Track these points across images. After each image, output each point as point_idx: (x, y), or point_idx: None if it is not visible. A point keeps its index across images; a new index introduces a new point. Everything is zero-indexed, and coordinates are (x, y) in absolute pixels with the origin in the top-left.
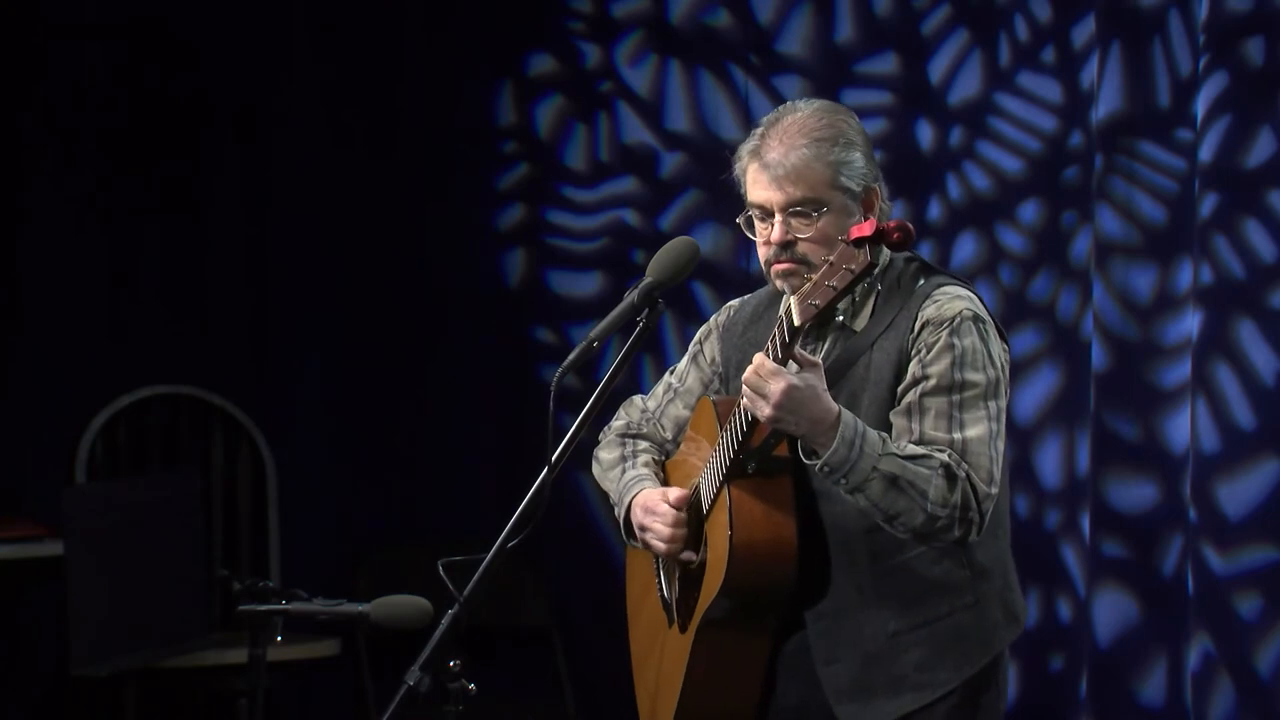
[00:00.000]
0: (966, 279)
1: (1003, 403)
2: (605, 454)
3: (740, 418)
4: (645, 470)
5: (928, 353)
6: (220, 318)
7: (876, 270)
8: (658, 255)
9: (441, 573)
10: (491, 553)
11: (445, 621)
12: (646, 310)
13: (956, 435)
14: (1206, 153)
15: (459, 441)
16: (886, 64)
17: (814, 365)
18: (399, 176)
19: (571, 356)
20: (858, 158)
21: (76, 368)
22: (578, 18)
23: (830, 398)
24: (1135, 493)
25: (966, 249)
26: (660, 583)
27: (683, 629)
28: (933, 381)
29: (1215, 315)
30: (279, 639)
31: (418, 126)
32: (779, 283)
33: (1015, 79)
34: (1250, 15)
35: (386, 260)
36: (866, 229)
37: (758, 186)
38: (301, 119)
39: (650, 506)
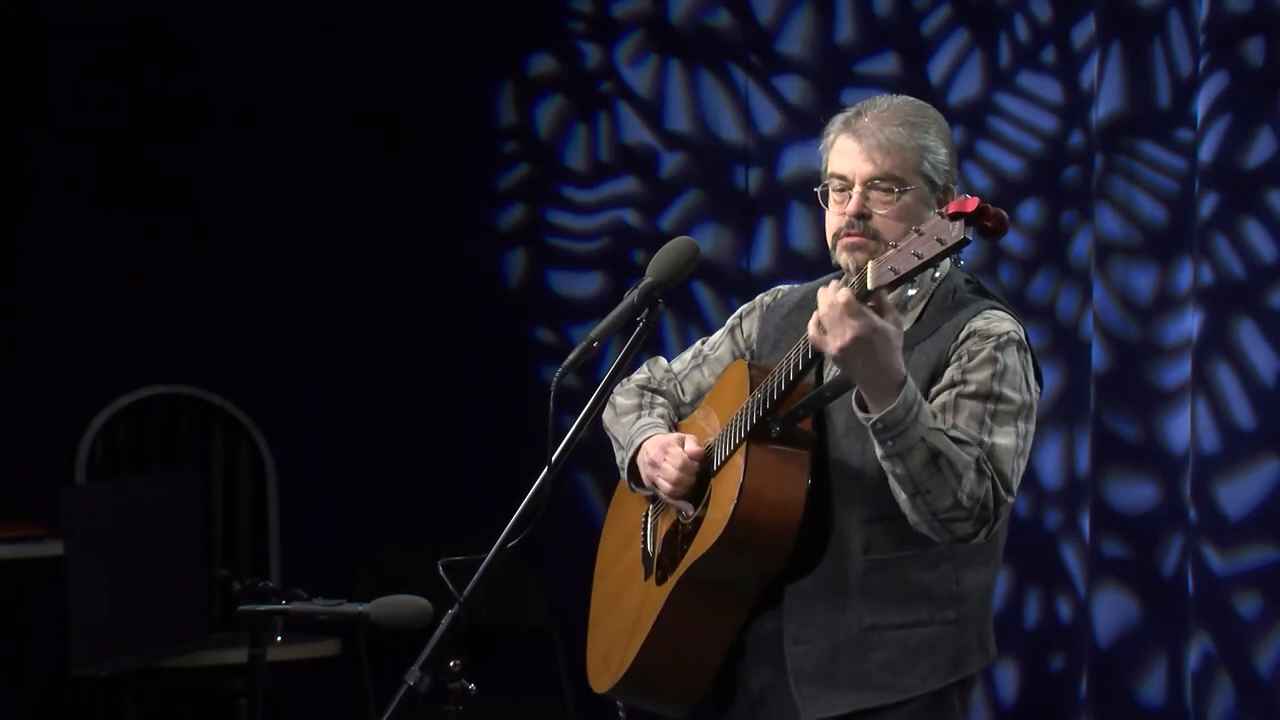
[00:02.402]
0: (1019, 316)
1: (1032, 427)
2: (622, 400)
3: (793, 360)
4: (660, 420)
5: (969, 360)
6: (220, 318)
7: (944, 272)
8: (658, 255)
9: (441, 573)
10: (491, 553)
11: (445, 621)
12: (646, 310)
13: (986, 439)
14: (1206, 153)
15: (459, 441)
16: (886, 64)
17: (896, 318)
18: (399, 176)
19: (571, 356)
20: (944, 153)
21: (76, 368)
22: (578, 18)
23: (901, 356)
24: (1135, 493)
25: (966, 249)
26: (646, 535)
27: (660, 581)
28: (971, 387)
29: (1215, 315)
30: (279, 639)
31: (418, 126)
32: (844, 256)
33: (1015, 79)
34: (1250, 15)
35: (386, 260)
36: (969, 205)
37: (845, 156)
38: (301, 119)
39: (665, 446)
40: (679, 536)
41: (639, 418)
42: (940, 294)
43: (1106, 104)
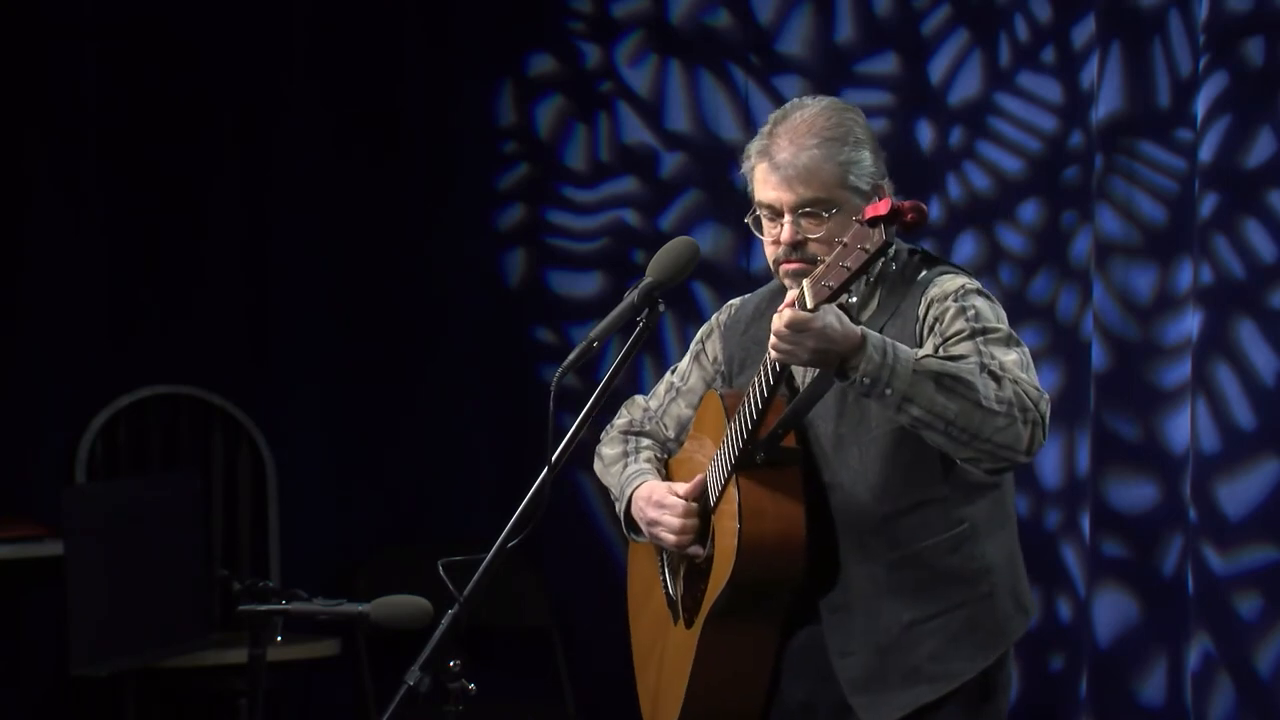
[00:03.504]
0: (970, 271)
1: (1026, 349)
2: (608, 450)
3: (758, 386)
4: (647, 465)
5: (941, 323)
6: (220, 318)
7: (891, 252)
8: (658, 255)
9: (441, 573)
10: (491, 553)
11: (445, 621)
12: (646, 310)
13: (990, 361)
14: (1206, 153)
15: (459, 441)
16: (886, 64)
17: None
18: (399, 176)
19: (571, 356)
20: (866, 156)
21: (76, 368)
22: (578, 18)
23: (850, 322)
24: (1135, 493)
25: (966, 249)
26: (665, 579)
27: (688, 625)
28: (955, 336)
29: (1215, 315)
30: (279, 639)
31: (418, 126)
32: (788, 281)
33: (1015, 79)
34: (1250, 15)
35: (386, 260)
36: (882, 208)
37: (767, 186)
38: (301, 119)
39: (658, 499)
40: (696, 576)
41: (625, 466)
42: (892, 277)
43: (1106, 104)
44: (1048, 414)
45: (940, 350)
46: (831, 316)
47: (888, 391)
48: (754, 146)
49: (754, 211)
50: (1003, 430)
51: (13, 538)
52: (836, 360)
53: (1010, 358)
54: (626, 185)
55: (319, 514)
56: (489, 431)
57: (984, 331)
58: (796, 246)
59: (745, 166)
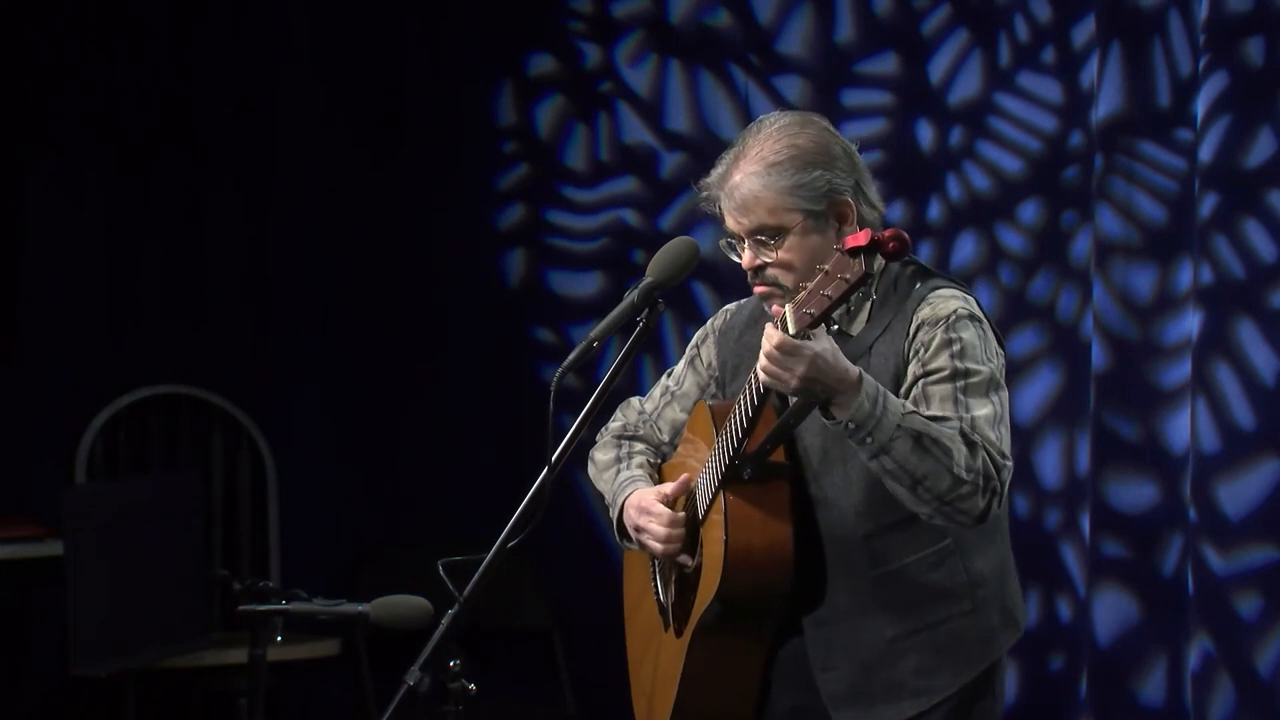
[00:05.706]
0: (964, 282)
1: (1005, 394)
2: (600, 455)
3: (744, 403)
4: (640, 472)
5: (926, 351)
6: (220, 318)
7: (873, 279)
8: (657, 255)
9: (441, 573)
10: (491, 553)
11: (445, 621)
12: (646, 310)
13: (965, 414)
14: (1206, 153)
15: (459, 441)
16: (886, 64)
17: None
18: (399, 176)
19: (571, 356)
20: (817, 175)
21: (76, 368)
22: (578, 18)
23: (846, 358)
24: (1135, 493)
25: (966, 249)
26: (656, 586)
27: (678, 633)
28: (935, 374)
29: (1215, 315)
30: (279, 639)
31: (418, 127)
32: (763, 303)
33: (1015, 79)
34: (1250, 15)
35: (387, 260)
36: (861, 239)
37: (725, 214)
38: (302, 120)
39: (645, 506)
40: (685, 586)
41: (618, 473)
42: (884, 288)
43: (1106, 104)
44: (1008, 482)
45: (920, 384)
46: (826, 345)
47: (868, 440)
48: (714, 173)
49: (726, 237)
50: (965, 498)
51: (13, 538)
52: (825, 393)
53: (984, 411)
54: (626, 185)
55: (319, 514)
56: (489, 431)
57: (966, 374)
58: (757, 271)
59: (712, 194)
